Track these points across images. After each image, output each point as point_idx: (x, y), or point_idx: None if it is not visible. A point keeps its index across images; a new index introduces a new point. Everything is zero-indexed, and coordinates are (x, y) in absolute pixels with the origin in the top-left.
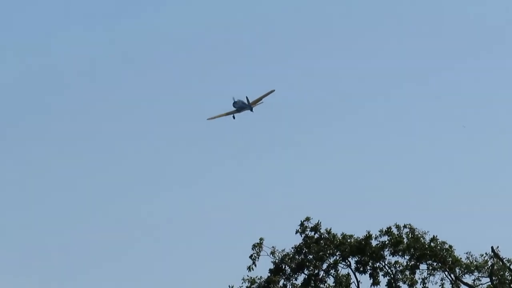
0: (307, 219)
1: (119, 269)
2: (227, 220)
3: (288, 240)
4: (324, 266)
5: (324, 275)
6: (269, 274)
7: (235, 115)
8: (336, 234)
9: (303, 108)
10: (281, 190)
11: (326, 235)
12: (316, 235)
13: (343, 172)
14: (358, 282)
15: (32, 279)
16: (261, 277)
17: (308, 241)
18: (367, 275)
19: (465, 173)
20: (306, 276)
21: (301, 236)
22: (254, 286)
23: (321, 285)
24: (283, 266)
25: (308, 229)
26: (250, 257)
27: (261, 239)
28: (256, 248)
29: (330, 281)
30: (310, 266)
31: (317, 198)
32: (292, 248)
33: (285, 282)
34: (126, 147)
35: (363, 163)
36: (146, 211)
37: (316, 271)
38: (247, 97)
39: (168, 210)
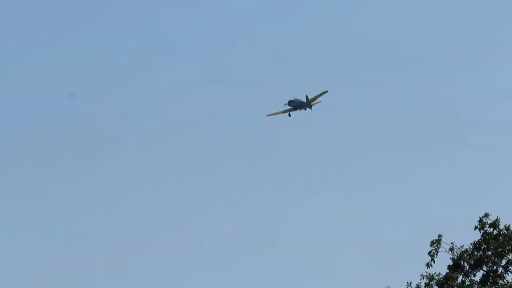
0: (486, 215)
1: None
2: (407, 216)
3: (466, 237)
4: (503, 262)
5: (502, 271)
6: (447, 271)
7: (291, 113)
8: None
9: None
10: (460, 187)
11: (505, 231)
12: (495, 232)
13: None
14: None
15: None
16: (439, 273)
17: (487, 237)
18: None
19: None
20: (485, 273)
21: (480, 232)
22: (432, 282)
23: (500, 282)
24: (462, 263)
25: (487, 226)
26: (429, 253)
27: (439, 235)
28: (435, 245)
29: (509, 277)
30: (489, 262)
31: (497, 194)
32: (471, 244)
33: (463, 279)
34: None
35: None
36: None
37: (494, 268)
38: (306, 96)
39: (345, 206)
